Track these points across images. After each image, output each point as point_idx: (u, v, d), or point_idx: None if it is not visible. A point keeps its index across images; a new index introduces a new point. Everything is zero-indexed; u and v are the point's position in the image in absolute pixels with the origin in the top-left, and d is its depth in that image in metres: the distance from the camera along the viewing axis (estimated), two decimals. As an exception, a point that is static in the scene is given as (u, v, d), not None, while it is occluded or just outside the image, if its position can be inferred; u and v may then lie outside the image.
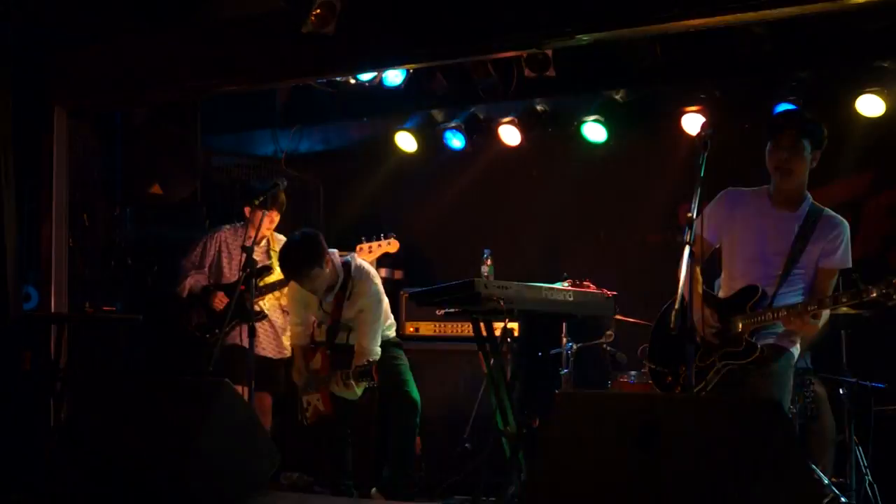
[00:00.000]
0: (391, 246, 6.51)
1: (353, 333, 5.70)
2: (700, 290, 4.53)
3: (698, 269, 4.58)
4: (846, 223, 4.52)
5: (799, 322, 4.32)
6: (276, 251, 6.63)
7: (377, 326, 5.66)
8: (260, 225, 6.02)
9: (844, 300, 4.25)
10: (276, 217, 6.54)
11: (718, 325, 4.49)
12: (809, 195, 4.57)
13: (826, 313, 4.41)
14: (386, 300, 5.89)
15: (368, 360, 5.43)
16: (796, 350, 4.54)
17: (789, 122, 4.50)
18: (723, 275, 4.69)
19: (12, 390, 6.25)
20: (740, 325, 4.46)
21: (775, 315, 4.37)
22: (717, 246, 4.68)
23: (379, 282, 5.84)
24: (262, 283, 6.41)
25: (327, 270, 5.58)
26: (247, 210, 6.57)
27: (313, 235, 5.61)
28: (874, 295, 4.15)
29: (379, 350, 5.64)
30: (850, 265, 4.49)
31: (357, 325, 5.66)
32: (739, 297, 4.52)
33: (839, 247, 4.46)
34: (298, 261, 5.52)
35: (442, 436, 6.69)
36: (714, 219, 4.59)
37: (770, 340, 4.47)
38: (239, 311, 6.11)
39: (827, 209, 4.55)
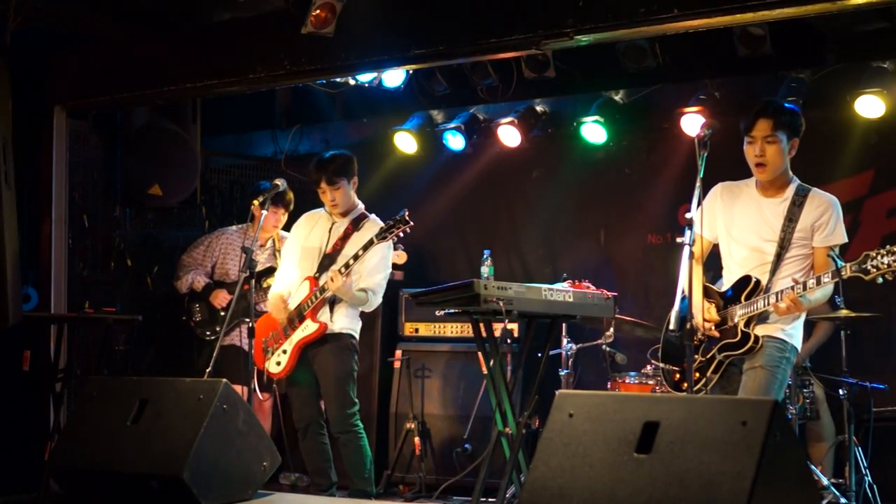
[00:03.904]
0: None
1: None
2: (701, 288, 4.53)
3: (700, 268, 4.59)
4: (835, 199, 4.50)
5: (787, 307, 4.32)
6: (281, 251, 6.62)
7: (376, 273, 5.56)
8: (262, 225, 6.01)
9: (826, 280, 4.27)
10: (284, 216, 6.54)
11: (717, 317, 4.50)
12: (796, 178, 4.55)
13: (828, 288, 4.39)
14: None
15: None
16: (790, 337, 4.48)
17: (761, 115, 4.48)
18: (724, 268, 4.70)
19: (12, 390, 6.25)
20: (737, 317, 4.47)
21: (766, 302, 4.38)
22: (717, 242, 4.68)
23: (391, 245, 5.72)
24: (265, 284, 6.42)
25: (351, 192, 5.67)
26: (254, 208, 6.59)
27: (350, 155, 5.75)
28: (853, 270, 4.19)
29: (363, 295, 5.53)
30: (845, 240, 4.49)
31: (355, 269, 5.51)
32: (736, 289, 4.53)
33: (829, 222, 4.44)
34: (334, 166, 5.61)
35: (442, 436, 6.70)
36: (709, 214, 4.59)
37: (765, 329, 4.47)
38: (241, 310, 6.11)
39: (815, 188, 4.53)
